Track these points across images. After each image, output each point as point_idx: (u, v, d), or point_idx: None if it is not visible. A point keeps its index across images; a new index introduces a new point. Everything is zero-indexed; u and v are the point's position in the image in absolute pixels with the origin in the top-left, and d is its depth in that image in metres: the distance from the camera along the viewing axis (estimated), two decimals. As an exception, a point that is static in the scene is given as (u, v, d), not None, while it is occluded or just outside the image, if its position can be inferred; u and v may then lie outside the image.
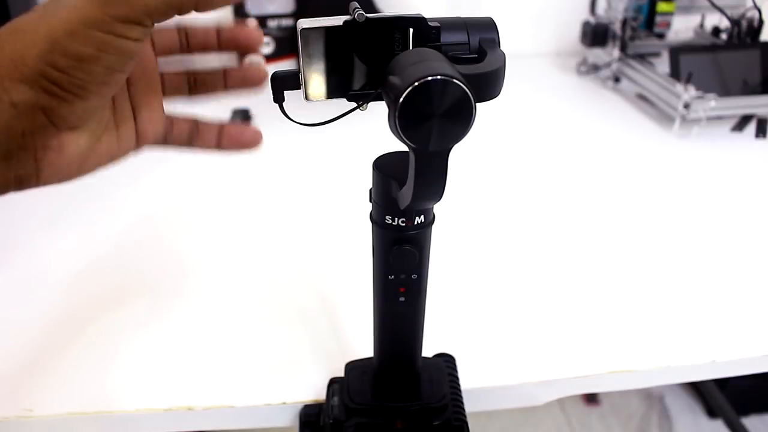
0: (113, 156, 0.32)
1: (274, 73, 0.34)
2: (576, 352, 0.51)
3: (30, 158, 0.28)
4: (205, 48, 0.36)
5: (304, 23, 0.32)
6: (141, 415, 0.46)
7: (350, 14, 0.31)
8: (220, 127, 0.37)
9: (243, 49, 0.36)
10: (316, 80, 0.33)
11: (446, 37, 0.32)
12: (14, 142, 0.27)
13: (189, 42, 0.36)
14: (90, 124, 0.30)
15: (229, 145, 0.37)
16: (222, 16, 1.08)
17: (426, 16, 0.32)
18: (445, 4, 1.16)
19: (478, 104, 0.30)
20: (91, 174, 0.32)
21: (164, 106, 0.35)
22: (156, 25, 0.28)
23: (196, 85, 0.36)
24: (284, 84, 0.34)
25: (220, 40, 0.36)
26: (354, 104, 0.34)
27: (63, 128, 0.28)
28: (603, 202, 0.74)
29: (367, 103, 0.34)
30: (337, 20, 0.32)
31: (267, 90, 0.35)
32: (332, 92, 0.34)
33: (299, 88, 0.34)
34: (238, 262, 0.62)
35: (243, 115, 0.90)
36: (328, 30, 0.32)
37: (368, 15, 0.31)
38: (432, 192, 0.29)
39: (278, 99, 0.35)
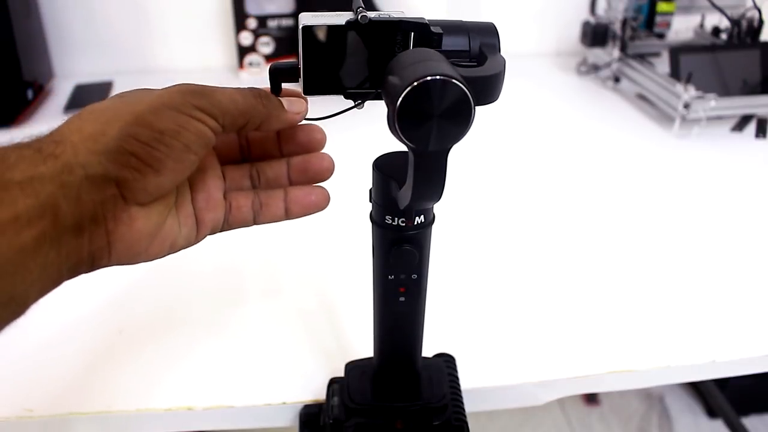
0: (175, 241, 0.32)
1: (273, 64, 0.34)
2: (576, 352, 0.51)
3: (101, 231, 0.28)
4: (265, 156, 0.37)
5: (306, 19, 0.32)
6: (141, 415, 0.46)
7: (354, 13, 0.31)
8: (285, 193, 0.37)
9: (312, 178, 0.37)
10: (315, 76, 0.33)
11: (447, 44, 0.32)
12: (86, 214, 0.27)
13: (250, 147, 0.37)
14: (157, 205, 0.31)
15: (298, 210, 0.37)
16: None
17: (426, 16, 0.32)
18: (446, 3, 1.16)
19: (479, 106, 0.30)
20: (156, 259, 0.32)
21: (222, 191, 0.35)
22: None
23: (260, 181, 0.37)
24: (283, 76, 0.34)
25: (290, 166, 0.37)
26: (351, 102, 0.34)
27: (132, 203, 0.29)
28: (603, 202, 0.74)
29: (365, 101, 0.34)
30: (340, 18, 0.32)
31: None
32: (330, 89, 0.34)
33: (298, 81, 0.34)
34: (238, 262, 0.62)
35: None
36: (330, 28, 0.32)
37: (371, 17, 0.31)
38: (431, 192, 0.29)
39: (276, 91, 0.35)
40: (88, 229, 0.27)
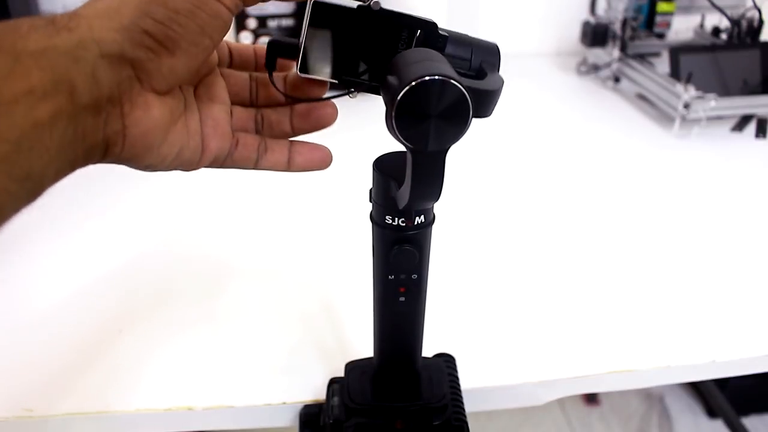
0: (182, 150, 0.32)
1: (271, 39, 0.34)
2: (576, 352, 0.51)
3: (117, 113, 0.28)
4: (271, 103, 0.37)
5: None
6: (141, 415, 0.46)
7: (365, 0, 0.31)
8: (290, 144, 0.36)
9: (314, 124, 0.37)
10: (314, 56, 0.33)
11: (451, 49, 0.32)
12: (103, 93, 0.26)
13: (258, 94, 0.37)
14: (170, 99, 0.30)
15: (300, 161, 0.36)
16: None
17: (426, 17, 0.32)
18: (446, 3, 1.16)
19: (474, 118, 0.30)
20: (159, 165, 0.31)
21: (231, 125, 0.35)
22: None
23: (263, 125, 0.37)
24: (281, 52, 0.34)
25: (293, 114, 0.36)
26: (345, 89, 0.34)
27: (147, 88, 0.29)
28: (603, 202, 0.74)
29: (358, 91, 0.34)
30: (352, 2, 0.32)
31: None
32: (326, 72, 0.33)
33: (294, 60, 0.33)
34: (238, 262, 0.62)
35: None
36: (340, 9, 0.32)
37: (383, 6, 0.31)
38: (429, 192, 0.29)
39: (271, 66, 0.34)
40: (105, 109, 0.27)
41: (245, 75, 0.36)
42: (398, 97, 0.26)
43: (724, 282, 0.60)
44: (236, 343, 0.52)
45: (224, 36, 0.30)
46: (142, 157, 0.30)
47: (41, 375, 0.48)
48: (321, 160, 0.37)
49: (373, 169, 0.34)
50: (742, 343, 0.52)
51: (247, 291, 0.58)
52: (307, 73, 0.33)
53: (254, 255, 0.63)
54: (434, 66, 0.26)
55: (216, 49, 0.35)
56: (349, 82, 0.33)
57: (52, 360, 0.50)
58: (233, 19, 0.30)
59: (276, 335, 0.53)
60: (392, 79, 0.27)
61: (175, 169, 0.33)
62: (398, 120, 0.26)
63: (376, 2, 0.31)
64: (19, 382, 0.47)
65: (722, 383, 1.29)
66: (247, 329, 0.53)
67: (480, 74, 0.32)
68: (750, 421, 1.25)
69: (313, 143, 0.37)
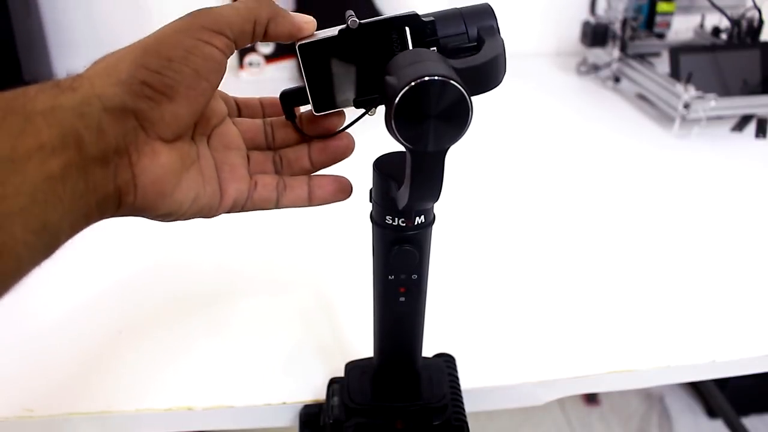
0: (199, 195, 0.32)
1: (282, 91, 0.35)
2: (576, 352, 0.51)
3: (125, 163, 0.28)
4: (288, 144, 0.37)
5: (301, 40, 0.32)
6: (141, 415, 0.46)
7: (345, 22, 0.32)
8: (309, 179, 0.36)
9: (332, 157, 0.37)
10: (322, 93, 0.33)
11: (443, 30, 0.32)
12: (109, 145, 0.27)
13: (275, 136, 0.37)
14: (179, 145, 0.31)
15: (321, 194, 0.36)
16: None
17: (404, 11, 0.32)
18: (446, 4, 1.15)
19: (482, 94, 0.30)
20: (176, 213, 0.31)
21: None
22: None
23: (282, 164, 0.37)
24: (293, 101, 0.35)
25: (310, 150, 0.37)
26: (363, 111, 0.34)
27: (153, 137, 0.29)
28: (603, 203, 0.74)
29: (376, 107, 0.34)
30: (332, 31, 0.32)
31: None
32: (340, 102, 0.34)
33: (309, 103, 0.34)
34: (238, 263, 0.62)
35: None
36: (325, 42, 0.32)
37: (361, 21, 0.31)
38: (429, 192, 0.29)
39: (290, 116, 0.35)
40: (113, 160, 0.28)
41: (258, 121, 0.37)
42: (397, 98, 0.26)
43: (724, 282, 0.60)
44: (236, 343, 0.52)
45: (222, 77, 0.31)
46: (156, 205, 0.30)
47: (41, 375, 0.48)
48: (341, 190, 0.37)
49: (373, 169, 0.34)
50: (742, 343, 0.52)
51: (247, 291, 0.58)
52: (324, 111, 0.34)
53: (254, 255, 0.63)
54: (433, 66, 0.26)
55: (225, 102, 0.36)
56: (363, 103, 0.34)
57: (52, 360, 0.50)
58: (227, 61, 0.31)
59: (276, 335, 0.53)
60: (391, 80, 0.27)
61: (195, 216, 0.33)
62: (398, 121, 0.26)
63: (354, 21, 0.31)
64: (19, 382, 0.48)
65: (722, 383, 1.29)
66: (247, 329, 0.53)
67: (480, 43, 0.32)
68: (750, 421, 1.25)
69: (332, 175, 0.37)
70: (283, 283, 0.59)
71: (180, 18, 0.30)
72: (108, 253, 0.63)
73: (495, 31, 0.33)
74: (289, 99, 0.35)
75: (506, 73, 0.31)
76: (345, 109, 0.35)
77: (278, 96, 0.36)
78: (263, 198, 0.35)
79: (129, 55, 0.29)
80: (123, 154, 0.28)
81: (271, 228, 0.68)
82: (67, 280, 0.59)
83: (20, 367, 0.49)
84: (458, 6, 0.33)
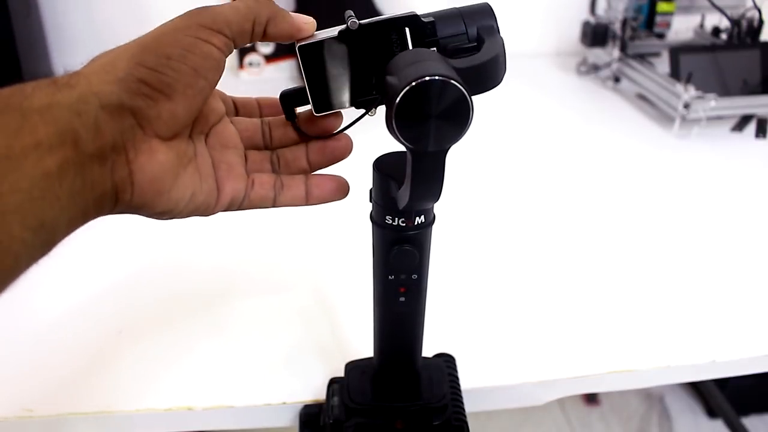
0: (196, 193, 0.32)
1: (282, 92, 0.35)
2: (576, 352, 0.51)
3: (122, 160, 0.28)
4: (286, 144, 0.37)
5: (301, 41, 0.32)
6: (141, 415, 0.46)
7: (345, 22, 0.32)
8: (306, 178, 0.36)
9: (330, 158, 0.37)
10: (322, 93, 0.33)
11: (443, 30, 0.32)
12: (106, 143, 0.27)
13: (272, 136, 0.37)
14: (177, 143, 0.31)
15: (318, 194, 0.36)
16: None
17: (404, 12, 0.32)
18: (446, 4, 1.15)
19: (482, 93, 0.30)
20: (173, 211, 0.31)
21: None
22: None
23: (280, 164, 0.37)
24: (294, 102, 0.35)
25: (308, 150, 0.37)
26: (360, 111, 0.34)
27: (151, 134, 0.29)
28: (603, 203, 0.74)
29: (376, 108, 0.34)
30: (332, 32, 0.32)
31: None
32: (340, 103, 0.34)
33: (309, 104, 0.34)
34: (237, 263, 0.62)
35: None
36: (325, 43, 0.32)
37: (361, 21, 0.31)
38: (429, 192, 0.29)
39: (290, 117, 0.35)
40: (110, 158, 0.28)
41: (256, 120, 0.37)
42: (398, 98, 0.26)
43: (724, 282, 0.60)
44: (236, 343, 0.52)
45: (220, 75, 0.31)
46: (153, 202, 0.30)
47: (41, 375, 0.48)
48: (339, 190, 0.37)
49: (373, 169, 0.34)
50: (742, 343, 0.52)
51: (247, 291, 0.58)
52: (324, 111, 0.34)
53: (254, 255, 0.63)
54: (433, 66, 0.26)
55: (223, 101, 0.36)
56: (363, 103, 0.34)
57: (52, 360, 0.50)
58: (225, 59, 0.31)
59: (276, 335, 0.53)
60: (392, 80, 0.27)
61: (192, 214, 0.33)
62: (398, 121, 0.26)
63: (354, 22, 0.31)
64: (19, 382, 0.47)
65: (722, 383, 1.29)
66: (247, 329, 0.53)
67: (480, 42, 0.32)
68: (750, 421, 1.25)
69: (329, 174, 0.37)
70: (283, 283, 0.59)
71: (178, 16, 0.30)
72: (108, 253, 0.63)
73: (495, 30, 0.33)
74: (289, 100, 0.35)
75: (506, 72, 0.31)
76: (345, 110, 0.35)
77: (278, 96, 0.35)
78: (260, 197, 0.35)
79: (127, 53, 0.29)
80: (120, 152, 0.28)
81: (271, 228, 0.67)
82: (67, 279, 0.59)
83: (20, 367, 0.49)
84: (458, 6, 0.33)
